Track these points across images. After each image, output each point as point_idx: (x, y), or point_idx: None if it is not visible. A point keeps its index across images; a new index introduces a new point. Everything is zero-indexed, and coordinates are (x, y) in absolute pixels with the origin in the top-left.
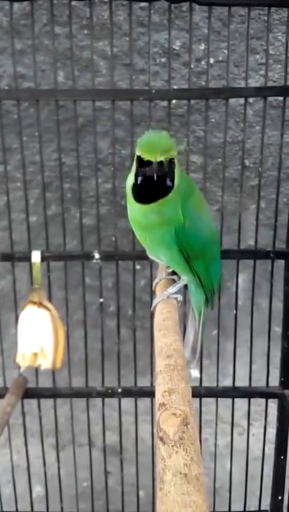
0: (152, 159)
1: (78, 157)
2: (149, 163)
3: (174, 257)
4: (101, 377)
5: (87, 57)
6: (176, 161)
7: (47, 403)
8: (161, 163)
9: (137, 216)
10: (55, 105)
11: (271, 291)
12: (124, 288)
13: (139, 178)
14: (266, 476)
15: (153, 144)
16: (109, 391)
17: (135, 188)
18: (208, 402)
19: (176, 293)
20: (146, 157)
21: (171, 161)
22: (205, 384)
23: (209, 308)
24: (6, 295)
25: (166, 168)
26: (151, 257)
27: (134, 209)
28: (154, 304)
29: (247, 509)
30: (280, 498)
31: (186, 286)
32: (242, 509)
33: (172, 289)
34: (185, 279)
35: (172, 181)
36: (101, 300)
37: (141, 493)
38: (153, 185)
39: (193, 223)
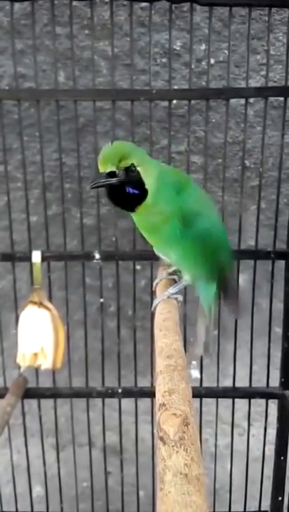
0: (102, 171)
1: (79, 157)
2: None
3: (185, 252)
4: (101, 377)
5: (88, 57)
6: (140, 167)
7: (47, 403)
8: (112, 173)
9: (141, 221)
10: (56, 105)
11: (272, 292)
12: (125, 288)
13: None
14: (266, 477)
15: (103, 156)
16: (110, 391)
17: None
18: (209, 403)
19: (176, 293)
20: (100, 170)
21: (128, 170)
22: (205, 384)
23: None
24: (6, 295)
25: (122, 177)
26: (160, 255)
27: (136, 215)
28: (154, 305)
29: (247, 510)
30: (280, 498)
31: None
32: (242, 510)
33: (173, 289)
34: (187, 279)
35: (139, 188)
36: (101, 300)
37: (141, 493)
38: (112, 195)
39: (193, 212)
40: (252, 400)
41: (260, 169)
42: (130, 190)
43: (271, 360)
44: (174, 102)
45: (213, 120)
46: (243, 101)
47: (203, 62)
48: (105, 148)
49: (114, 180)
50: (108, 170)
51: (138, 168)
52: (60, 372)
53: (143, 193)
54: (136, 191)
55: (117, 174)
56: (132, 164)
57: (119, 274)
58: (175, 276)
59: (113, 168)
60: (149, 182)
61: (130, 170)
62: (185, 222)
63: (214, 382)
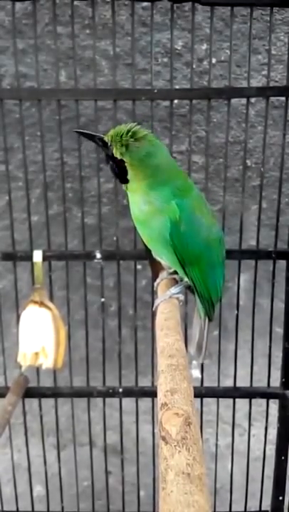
0: (106, 134)
1: (80, 157)
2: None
3: (172, 259)
4: (102, 376)
5: (89, 56)
6: (131, 168)
7: (48, 402)
8: (105, 143)
9: (135, 210)
10: (57, 105)
11: (273, 292)
12: (126, 288)
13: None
14: (267, 477)
15: (120, 128)
16: (110, 391)
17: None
18: (209, 403)
19: (178, 293)
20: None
21: (115, 158)
22: (206, 384)
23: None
24: (7, 294)
25: (109, 153)
26: (157, 258)
27: (132, 203)
28: (156, 304)
29: (247, 510)
30: (280, 498)
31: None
32: (242, 509)
33: (175, 290)
34: (188, 280)
35: (120, 175)
36: (102, 300)
37: (141, 492)
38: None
39: (189, 226)
40: (253, 400)
41: (262, 169)
42: (112, 166)
43: (272, 360)
44: (176, 101)
45: (215, 120)
46: (244, 101)
47: (205, 62)
48: (132, 126)
49: (100, 145)
50: (105, 137)
51: (126, 166)
52: (60, 372)
53: (123, 180)
54: (116, 171)
55: (108, 146)
56: (122, 160)
57: (120, 273)
58: (176, 276)
59: (109, 140)
60: (132, 180)
61: (119, 159)
62: (173, 233)
63: (215, 382)
